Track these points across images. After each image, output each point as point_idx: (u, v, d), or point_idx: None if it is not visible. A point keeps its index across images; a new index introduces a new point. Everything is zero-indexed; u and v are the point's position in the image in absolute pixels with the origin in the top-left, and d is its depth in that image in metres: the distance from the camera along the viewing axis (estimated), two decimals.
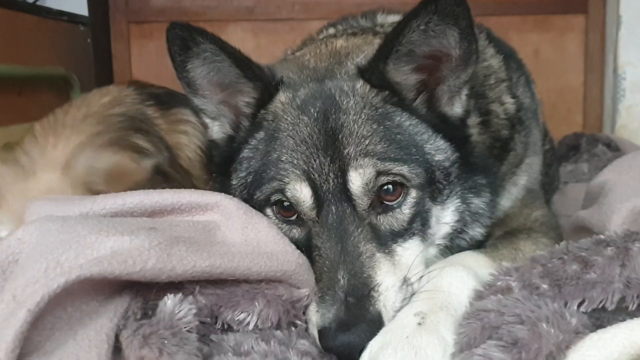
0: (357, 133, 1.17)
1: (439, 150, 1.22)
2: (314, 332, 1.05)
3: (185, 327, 0.87)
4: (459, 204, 1.24)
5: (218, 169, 1.37)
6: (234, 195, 1.26)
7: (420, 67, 1.23)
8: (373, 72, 1.22)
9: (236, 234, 1.11)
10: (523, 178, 1.50)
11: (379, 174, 1.14)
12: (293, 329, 1.04)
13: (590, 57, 3.97)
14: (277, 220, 1.21)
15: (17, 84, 2.84)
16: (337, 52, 1.38)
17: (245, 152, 1.28)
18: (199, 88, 1.30)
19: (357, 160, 1.15)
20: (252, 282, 1.04)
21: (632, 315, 0.95)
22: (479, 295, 1.04)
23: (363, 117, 1.19)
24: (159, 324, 0.86)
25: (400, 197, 1.17)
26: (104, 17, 3.67)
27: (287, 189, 1.17)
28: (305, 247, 1.17)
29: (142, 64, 3.72)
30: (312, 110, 1.21)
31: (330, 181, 1.15)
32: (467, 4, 1.12)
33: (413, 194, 1.18)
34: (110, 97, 1.63)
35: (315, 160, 1.16)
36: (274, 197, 1.20)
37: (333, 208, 1.14)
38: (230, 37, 3.77)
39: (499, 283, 1.04)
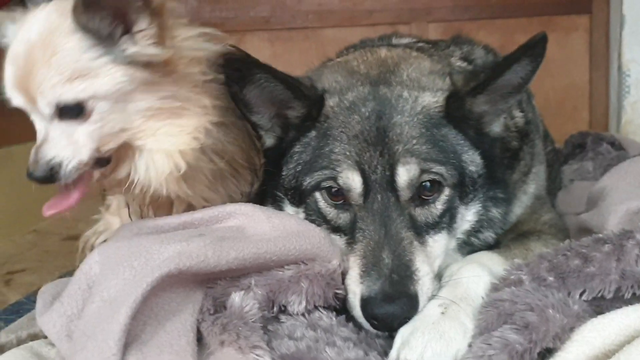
0: (407, 133, 1.34)
1: (473, 162, 1.40)
2: (355, 301, 1.21)
3: (251, 319, 1.05)
4: (480, 208, 1.42)
5: (269, 165, 1.51)
6: (282, 185, 1.45)
7: (493, 99, 1.41)
8: (457, 99, 1.39)
9: (263, 224, 1.28)
10: (532, 186, 1.66)
11: (422, 172, 1.32)
12: (334, 319, 1.20)
13: (595, 55, 4.08)
14: (324, 203, 1.37)
15: None
16: (384, 60, 1.55)
17: (297, 148, 1.44)
18: (253, 107, 1.46)
19: (405, 157, 1.31)
20: (293, 268, 1.22)
21: (627, 302, 1.10)
22: (495, 287, 1.20)
23: (415, 120, 1.36)
24: (231, 315, 1.04)
25: (435, 194, 1.35)
26: None
27: (339, 177, 1.33)
28: (349, 228, 1.33)
29: None
30: (363, 110, 1.38)
31: (379, 173, 1.31)
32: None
33: (447, 192, 1.36)
34: None
35: (366, 154, 1.33)
36: (325, 184, 1.36)
37: (379, 196, 1.30)
38: (248, 46, 3.90)
39: (512, 277, 1.19)
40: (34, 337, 1.27)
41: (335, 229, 1.36)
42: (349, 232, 1.32)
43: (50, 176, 1.22)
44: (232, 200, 1.44)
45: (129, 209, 1.51)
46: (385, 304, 1.17)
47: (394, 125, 1.34)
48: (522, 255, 1.42)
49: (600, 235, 1.22)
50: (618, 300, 1.12)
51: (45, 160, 1.21)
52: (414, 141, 1.33)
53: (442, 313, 1.16)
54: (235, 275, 1.19)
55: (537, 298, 1.09)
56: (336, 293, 1.23)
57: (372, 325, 1.20)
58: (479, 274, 1.26)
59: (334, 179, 1.33)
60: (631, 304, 1.08)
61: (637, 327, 1.01)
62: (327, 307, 1.23)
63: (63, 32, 1.19)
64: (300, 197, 1.41)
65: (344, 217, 1.35)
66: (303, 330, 1.11)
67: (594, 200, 1.49)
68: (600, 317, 1.05)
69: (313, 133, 1.42)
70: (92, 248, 1.60)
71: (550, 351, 1.02)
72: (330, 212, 1.36)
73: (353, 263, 1.26)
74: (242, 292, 1.11)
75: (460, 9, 3.91)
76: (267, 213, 1.31)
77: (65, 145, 1.22)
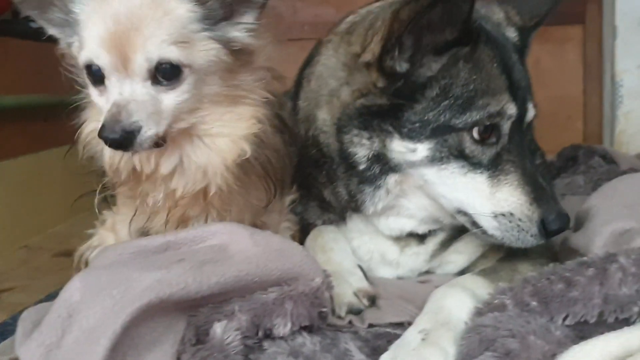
0: (522, 69, 1.48)
1: None
2: (532, 224, 1.40)
3: (233, 351, 1.05)
4: None
5: (391, 94, 1.43)
6: (401, 118, 1.40)
7: None
8: (525, 33, 1.59)
9: (246, 241, 1.28)
10: None
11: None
12: (317, 345, 1.19)
13: (589, 65, 4.09)
14: (471, 142, 1.39)
15: (43, 111, 3.00)
16: None
17: (445, 81, 1.39)
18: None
19: (530, 95, 1.48)
20: (277, 290, 1.21)
21: (610, 327, 1.09)
22: (478, 312, 1.19)
23: (518, 57, 1.51)
24: (212, 348, 1.04)
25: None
26: None
27: (502, 111, 1.40)
28: (492, 163, 1.41)
29: None
30: (494, 41, 1.45)
31: (518, 107, 1.42)
32: None
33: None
34: None
35: (513, 90, 1.42)
36: (488, 121, 1.39)
37: (517, 133, 1.43)
38: None
39: (495, 301, 1.19)
40: None
41: (475, 165, 1.40)
42: (491, 166, 1.40)
43: (127, 140, 1.17)
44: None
45: (130, 222, 1.48)
46: (560, 220, 1.40)
47: (515, 62, 1.45)
48: (509, 277, 1.41)
49: (585, 258, 1.22)
50: (601, 325, 1.12)
51: (128, 121, 1.15)
52: (527, 76, 1.49)
53: (423, 340, 1.16)
54: (218, 300, 1.19)
55: (519, 324, 1.08)
56: (320, 312, 1.23)
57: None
58: (461, 299, 1.26)
59: (499, 114, 1.39)
60: (614, 329, 1.08)
61: (618, 354, 1.01)
62: (311, 331, 1.23)
63: None
64: (432, 132, 1.39)
65: (488, 153, 1.40)
66: (285, 359, 1.10)
67: (581, 220, 1.49)
68: (582, 343, 1.05)
69: (461, 63, 1.40)
70: (86, 263, 1.61)
71: None
72: (475, 149, 1.39)
73: (515, 191, 1.39)
74: (225, 321, 1.11)
75: None
76: (250, 230, 1.33)
77: (151, 111, 1.18)
